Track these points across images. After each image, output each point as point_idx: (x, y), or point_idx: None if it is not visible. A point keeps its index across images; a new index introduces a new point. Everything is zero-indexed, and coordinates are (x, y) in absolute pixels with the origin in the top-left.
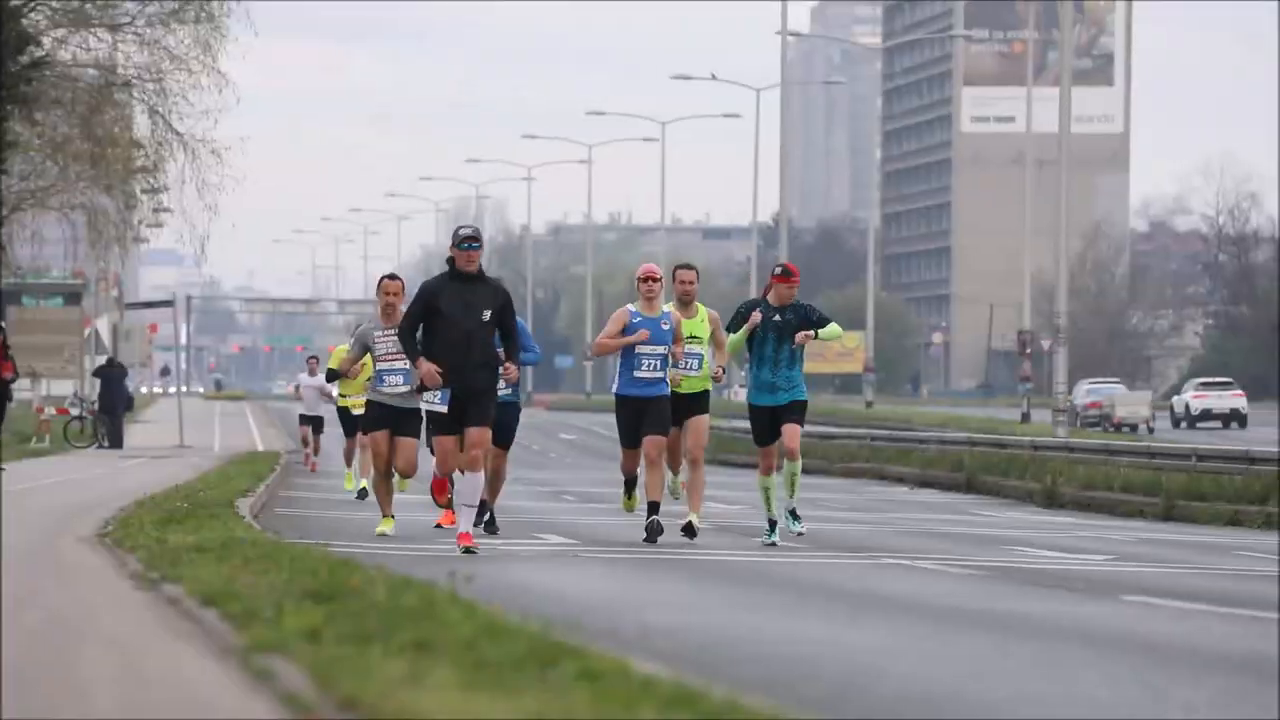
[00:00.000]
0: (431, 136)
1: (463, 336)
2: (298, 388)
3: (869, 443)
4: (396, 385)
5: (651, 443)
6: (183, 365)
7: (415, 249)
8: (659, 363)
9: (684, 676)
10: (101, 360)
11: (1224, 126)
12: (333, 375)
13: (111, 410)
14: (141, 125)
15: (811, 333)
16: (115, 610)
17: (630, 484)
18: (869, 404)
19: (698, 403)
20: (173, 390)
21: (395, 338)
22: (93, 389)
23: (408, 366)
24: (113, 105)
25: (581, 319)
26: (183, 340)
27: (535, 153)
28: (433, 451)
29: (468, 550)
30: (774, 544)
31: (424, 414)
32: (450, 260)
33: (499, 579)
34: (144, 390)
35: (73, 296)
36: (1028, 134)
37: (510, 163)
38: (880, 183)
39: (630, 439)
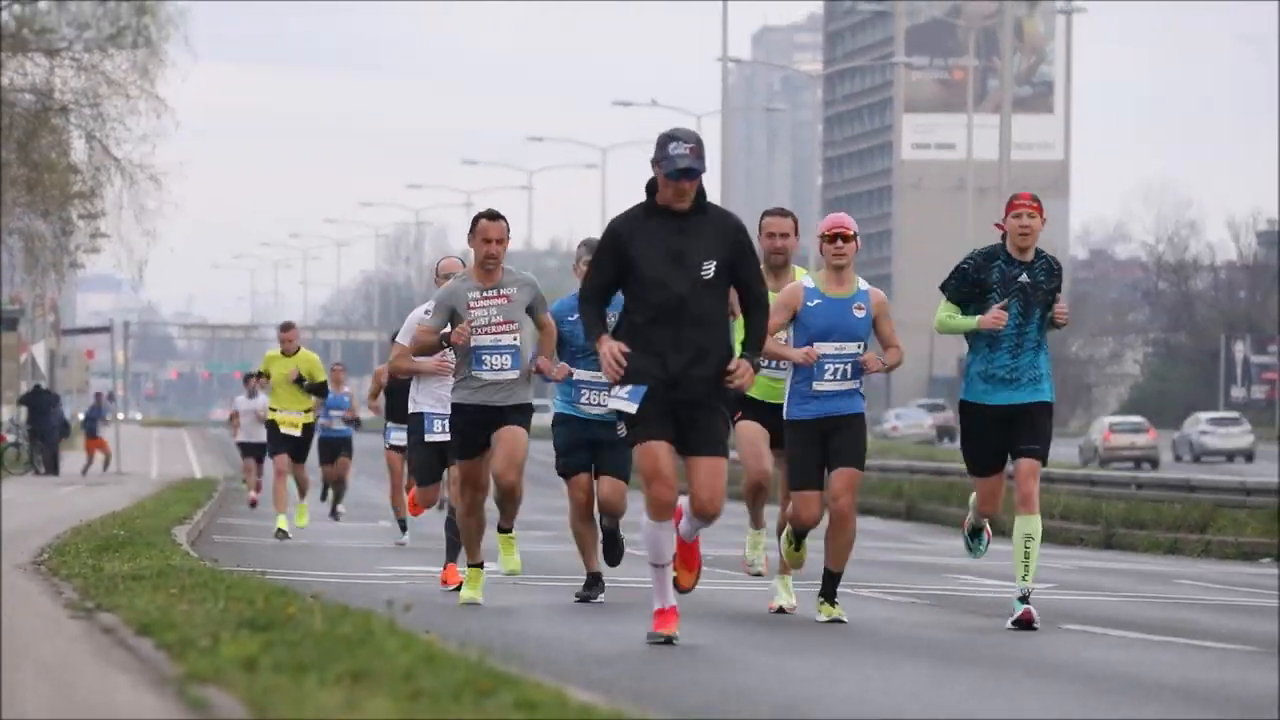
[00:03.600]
0: (371, 162)
1: (670, 304)
2: (234, 415)
3: None
4: (502, 369)
5: (845, 480)
6: (119, 392)
7: (355, 274)
8: (850, 368)
9: (620, 705)
10: (27, 388)
11: (1163, 155)
12: (257, 377)
13: (45, 437)
14: (79, 150)
15: (1064, 308)
16: (50, 638)
17: (802, 532)
18: None
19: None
20: (108, 417)
21: (496, 303)
22: (19, 415)
23: (516, 344)
24: (50, 130)
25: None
26: (119, 365)
27: (476, 178)
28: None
29: (668, 640)
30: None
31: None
32: (651, 184)
33: (437, 608)
34: (80, 417)
35: (9, 323)
36: (968, 161)
37: (451, 188)
38: (821, 209)
39: (806, 474)
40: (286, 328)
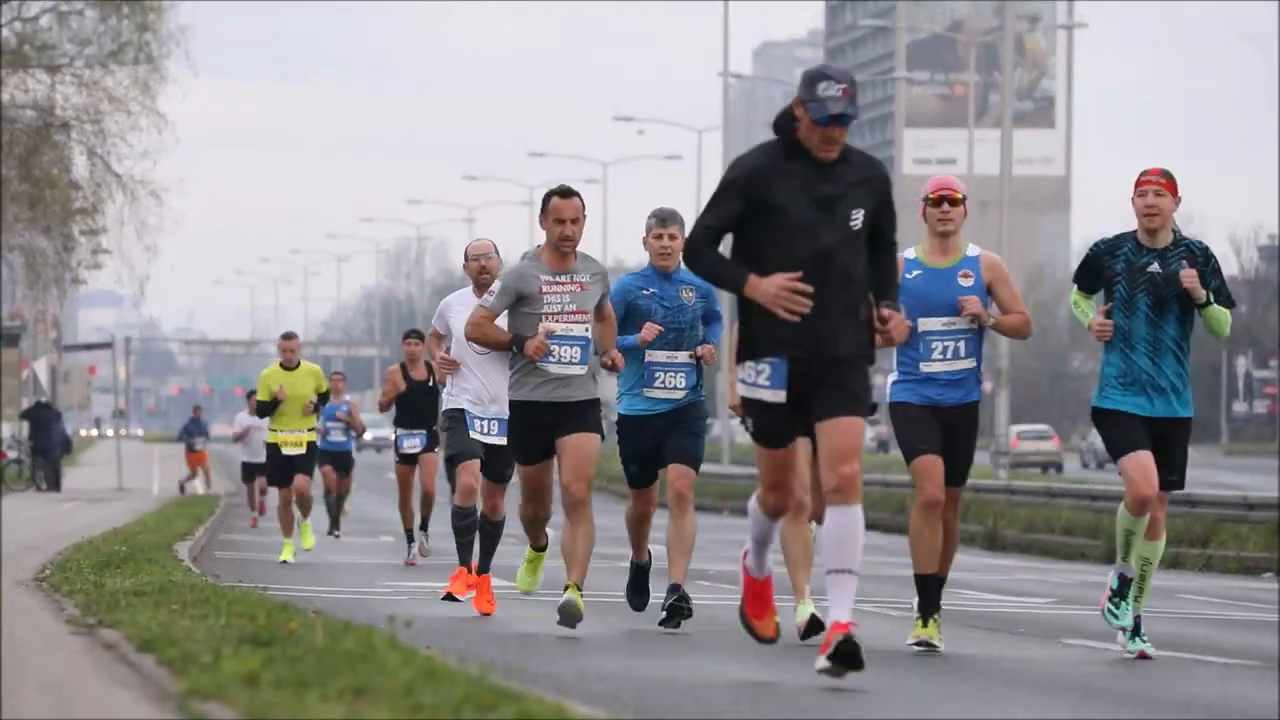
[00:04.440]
0: (372, 177)
1: (815, 258)
2: (242, 433)
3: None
4: (570, 363)
5: (947, 493)
6: (121, 407)
7: (356, 290)
8: (963, 345)
9: (621, 718)
10: (27, 403)
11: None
12: (265, 409)
13: (46, 453)
14: (80, 166)
15: (1201, 291)
16: (51, 655)
17: (926, 536)
18: None
19: None
20: (111, 433)
21: (570, 290)
22: (21, 431)
23: (588, 335)
24: (51, 146)
25: None
26: (121, 381)
27: (477, 194)
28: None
29: (844, 656)
30: (1139, 651)
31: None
32: (785, 121)
33: (439, 622)
34: (83, 433)
35: (10, 339)
36: (969, 175)
37: (452, 204)
38: None
39: (924, 438)
40: (289, 336)
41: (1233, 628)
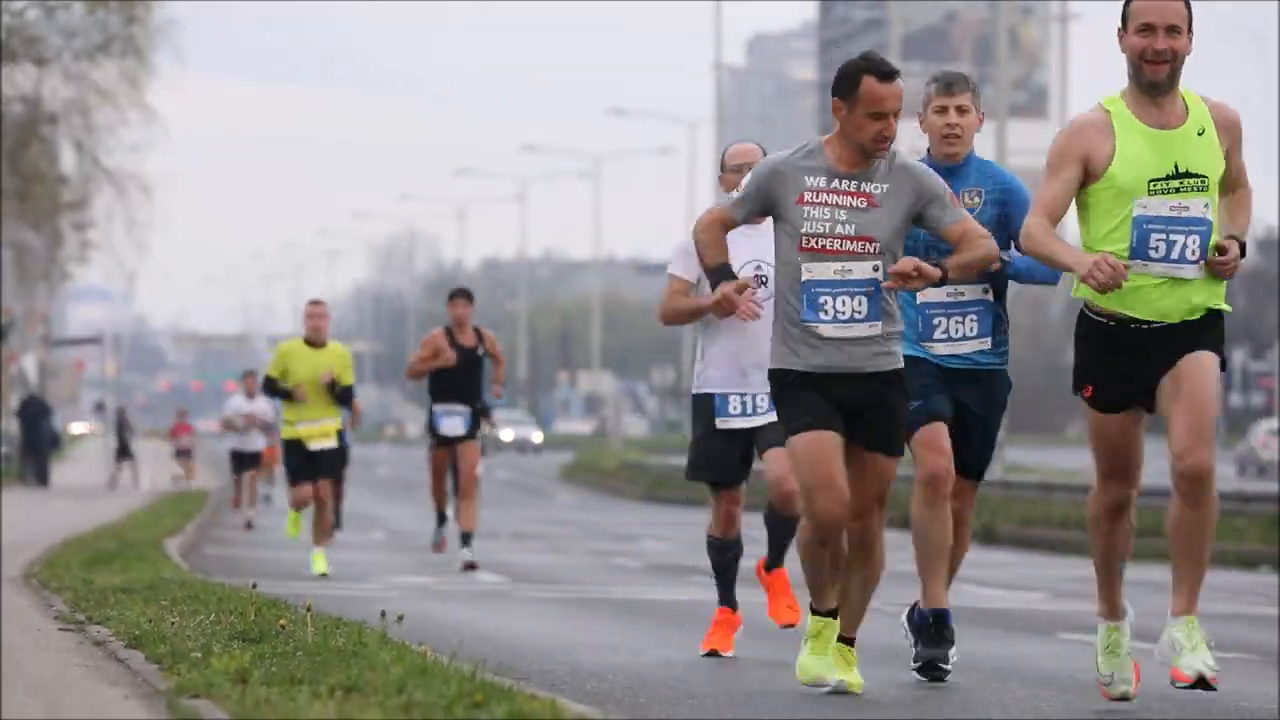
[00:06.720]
0: (363, 173)
1: None
2: (229, 421)
3: None
4: (853, 319)
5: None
6: (102, 401)
7: (348, 285)
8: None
9: (614, 717)
10: (17, 400)
11: None
12: (272, 388)
13: (36, 449)
14: (68, 160)
15: None
16: (40, 652)
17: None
18: None
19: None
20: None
21: (851, 203)
22: (10, 425)
23: (877, 276)
24: (39, 140)
25: (515, 355)
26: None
27: (468, 188)
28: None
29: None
30: None
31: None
32: None
33: (431, 619)
34: (74, 430)
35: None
36: None
37: (443, 199)
38: None
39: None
40: (316, 303)
41: (1230, 621)
